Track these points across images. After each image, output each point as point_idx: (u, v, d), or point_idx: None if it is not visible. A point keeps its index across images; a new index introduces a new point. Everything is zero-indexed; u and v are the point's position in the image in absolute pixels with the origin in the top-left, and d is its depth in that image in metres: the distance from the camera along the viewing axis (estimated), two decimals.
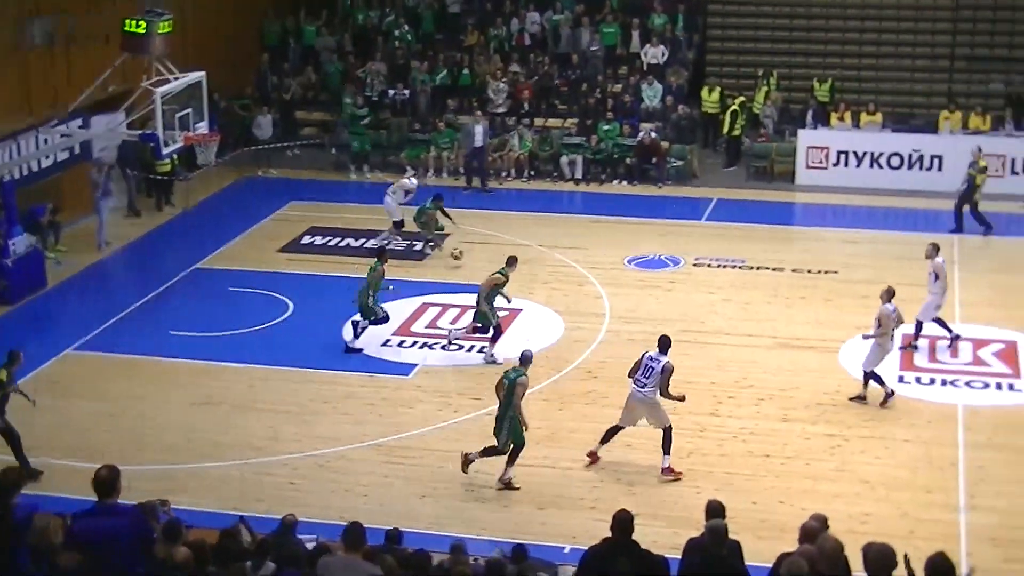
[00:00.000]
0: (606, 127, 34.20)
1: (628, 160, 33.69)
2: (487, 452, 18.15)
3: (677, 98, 35.90)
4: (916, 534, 16.53)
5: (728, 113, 34.49)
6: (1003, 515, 17.40)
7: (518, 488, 17.99)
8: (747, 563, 11.56)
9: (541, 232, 29.20)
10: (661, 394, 18.13)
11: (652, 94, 35.74)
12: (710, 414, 20.31)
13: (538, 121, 35.96)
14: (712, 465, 18.70)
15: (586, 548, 11.56)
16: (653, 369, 18.02)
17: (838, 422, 19.97)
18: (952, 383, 21.50)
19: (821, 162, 33.03)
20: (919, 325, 22.53)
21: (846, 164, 32.90)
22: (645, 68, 36.80)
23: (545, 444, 19.30)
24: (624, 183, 33.55)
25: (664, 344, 18.26)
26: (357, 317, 23.05)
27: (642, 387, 18.14)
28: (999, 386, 21.41)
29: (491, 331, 22.50)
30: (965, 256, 27.17)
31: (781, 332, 23.47)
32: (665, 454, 18.28)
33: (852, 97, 35.60)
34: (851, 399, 20.67)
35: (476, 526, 16.97)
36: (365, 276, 23.03)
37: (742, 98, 35.04)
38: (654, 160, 33.37)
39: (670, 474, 18.23)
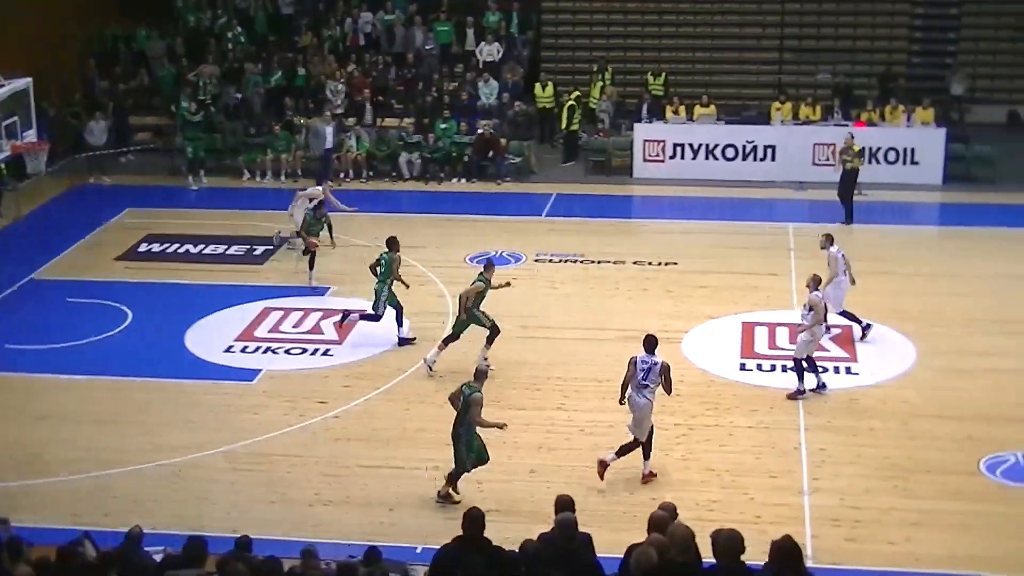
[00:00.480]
0: (443, 125, 34.21)
1: (466, 158, 33.75)
2: (451, 477, 17.61)
3: (513, 95, 36.12)
4: (763, 518, 16.84)
5: (564, 109, 34.74)
6: (843, 495, 17.78)
7: (458, 502, 17.45)
8: (598, 555, 11.64)
9: (381, 233, 29.01)
10: (666, 391, 18.08)
11: (488, 91, 35.88)
12: (557, 408, 20.44)
13: (377, 121, 35.85)
14: (561, 460, 18.80)
15: (438, 547, 11.54)
16: (651, 370, 17.78)
17: (682, 412, 20.20)
18: (792, 369, 21.87)
19: (658, 155, 33.45)
20: (845, 315, 22.86)
21: (682, 156, 33.36)
22: (481, 66, 36.93)
23: (394, 445, 19.26)
24: (463, 181, 33.61)
25: (651, 344, 18.01)
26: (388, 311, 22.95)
27: (645, 389, 17.82)
28: (837, 370, 21.86)
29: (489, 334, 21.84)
30: (800, 245, 27.72)
31: (624, 324, 23.67)
32: (645, 459, 18.08)
33: (686, 90, 36.14)
34: (790, 396, 20.74)
35: (327, 530, 16.83)
36: (381, 268, 22.85)
37: (577, 93, 35.33)
38: (491, 155, 33.46)
39: (651, 478, 18.08)
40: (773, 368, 21.96)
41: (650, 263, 27.09)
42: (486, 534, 11.41)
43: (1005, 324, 23.56)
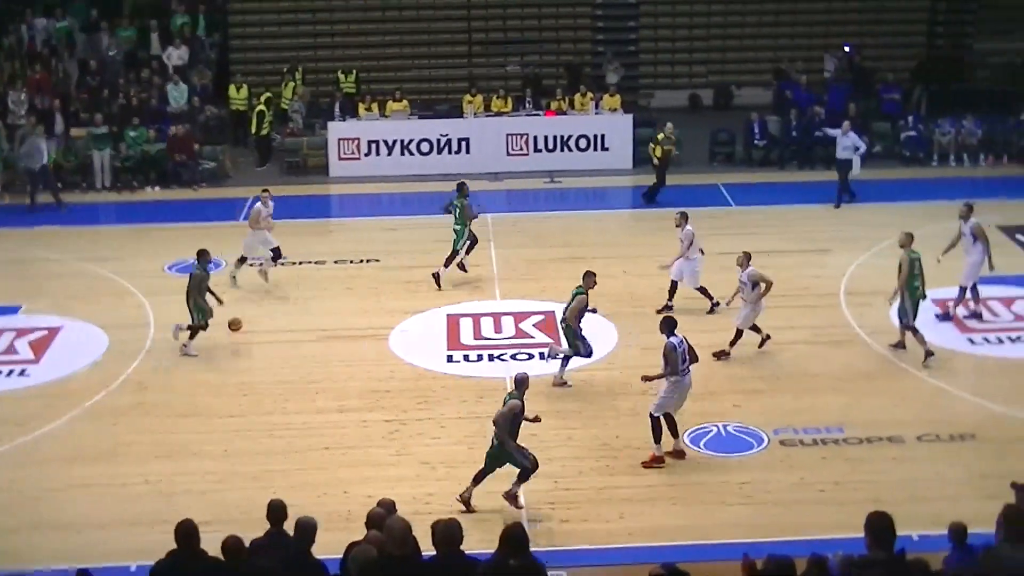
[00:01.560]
0: (133, 133, 33.34)
1: (160, 162, 32.96)
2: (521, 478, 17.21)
3: (203, 98, 35.48)
4: (479, 507, 17.02)
5: (255, 112, 34.33)
6: (557, 479, 18.11)
7: (474, 511, 17.09)
8: (320, 556, 11.57)
9: (75, 245, 28.22)
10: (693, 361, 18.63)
11: (178, 95, 35.13)
12: (269, 413, 20.20)
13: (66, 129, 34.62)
14: (281, 463, 18.58)
15: (152, 563, 11.28)
16: (685, 348, 18.45)
17: (393, 407, 20.27)
18: (499, 357, 22.23)
19: (353, 153, 33.43)
20: (701, 291, 24.00)
21: (377, 153, 33.43)
22: (170, 70, 36.12)
23: (103, 461, 18.69)
24: (158, 188, 32.86)
25: (671, 324, 18.60)
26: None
27: (685, 366, 18.45)
28: (542, 355, 22.22)
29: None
30: (499, 235, 28.13)
31: (330, 324, 23.59)
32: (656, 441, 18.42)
33: (378, 87, 36.23)
34: (716, 355, 21.68)
35: (35, 556, 16.19)
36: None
37: (268, 94, 34.96)
38: (179, 158, 32.71)
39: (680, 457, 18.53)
40: (480, 358, 22.23)
41: (351, 261, 27.06)
42: (203, 546, 11.20)
43: (698, 301, 24.38)
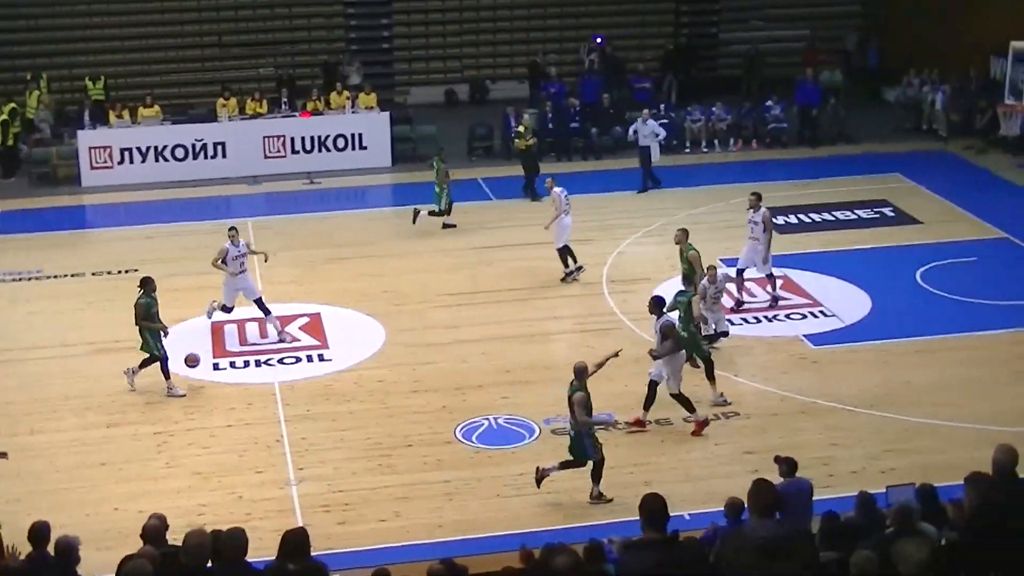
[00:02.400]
0: None
1: None
2: (565, 465, 17.53)
3: None
4: (254, 515, 16.83)
5: None
6: (330, 481, 18.05)
7: (610, 500, 17.22)
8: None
9: None
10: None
11: None
12: (31, 433, 19.55)
13: None
14: (51, 483, 18.00)
15: None
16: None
17: (164, 419, 19.87)
18: (266, 363, 21.96)
19: (105, 161, 32.51)
20: (562, 252, 25.00)
21: (131, 161, 32.58)
22: None
23: None
24: None
25: (660, 305, 19.31)
26: None
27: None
28: (310, 358, 22.13)
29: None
30: (259, 238, 27.78)
31: (97, 337, 22.96)
32: (691, 411, 19.18)
33: (128, 93, 35.39)
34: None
35: None
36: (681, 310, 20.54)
37: (13, 105, 33.78)
38: None
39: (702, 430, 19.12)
40: (247, 364, 21.94)
41: (111, 272, 26.37)
42: None
43: (463, 296, 24.57)
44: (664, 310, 19.39)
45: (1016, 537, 9.15)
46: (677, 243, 22.20)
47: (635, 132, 31.08)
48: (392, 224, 29.64)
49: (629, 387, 20.31)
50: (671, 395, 19.20)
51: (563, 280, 24.92)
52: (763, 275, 23.64)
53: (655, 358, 19.13)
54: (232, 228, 23.26)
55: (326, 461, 18.60)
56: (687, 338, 19.79)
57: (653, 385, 19.21)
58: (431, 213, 28.32)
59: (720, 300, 21.51)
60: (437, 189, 28.16)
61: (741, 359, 21.77)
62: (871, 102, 37.90)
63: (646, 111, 31.41)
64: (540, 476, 17.49)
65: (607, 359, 18.38)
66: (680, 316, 20.12)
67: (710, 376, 20.10)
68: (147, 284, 21.08)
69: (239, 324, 23.23)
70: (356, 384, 21.13)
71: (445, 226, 28.34)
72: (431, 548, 15.85)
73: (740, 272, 23.61)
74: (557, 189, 25.17)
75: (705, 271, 21.35)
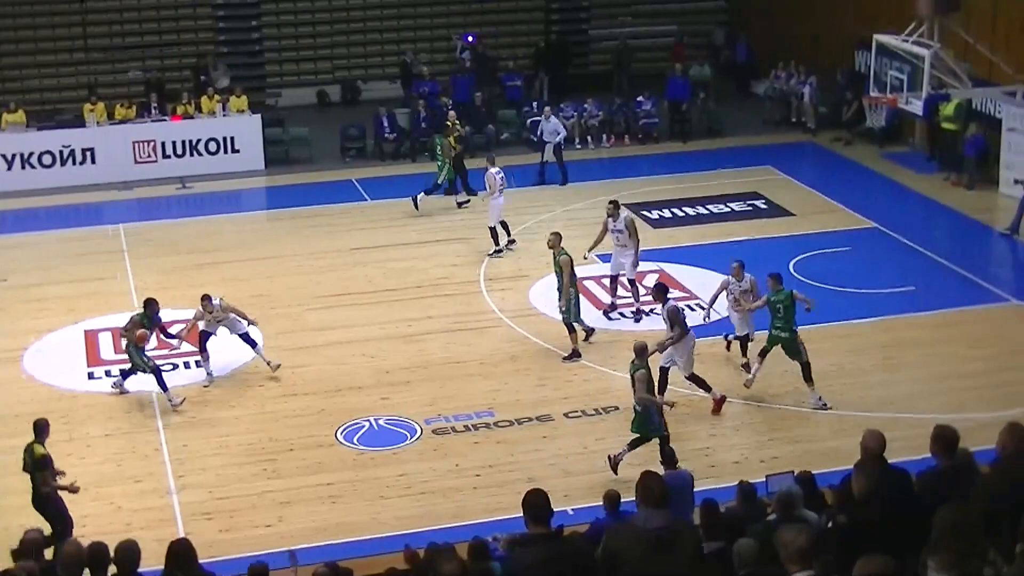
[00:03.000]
0: None
1: None
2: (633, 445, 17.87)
3: None
4: (134, 525, 16.61)
5: None
6: (212, 488, 17.89)
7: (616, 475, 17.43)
8: None
9: None
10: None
11: None
12: None
13: None
14: None
15: None
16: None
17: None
18: (143, 370, 21.60)
19: None
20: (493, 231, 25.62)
21: None
22: None
23: None
24: None
25: (663, 290, 20.16)
26: None
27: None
28: (187, 365, 21.80)
29: None
30: (132, 244, 27.43)
31: None
32: (707, 391, 19.66)
33: None
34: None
35: None
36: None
37: None
38: None
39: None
40: (108, 374, 21.58)
41: None
42: None
43: (337, 298, 24.46)
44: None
45: (896, 518, 9.36)
46: (551, 247, 21.99)
47: (541, 130, 31.27)
48: (266, 227, 29.41)
49: (509, 384, 20.42)
50: (685, 378, 19.71)
51: (491, 255, 25.98)
52: (629, 279, 23.34)
53: (662, 351, 19.49)
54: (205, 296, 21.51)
55: (207, 468, 18.41)
56: (789, 338, 19.75)
57: (664, 371, 19.56)
58: (427, 192, 28.79)
59: (743, 301, 21.03)
60: (440, 164, 29.07)
61: (621, 353, 21.89)
62: (741, 97, 38.42)
63: (547, 109, 31.60)
64: (615, 462, 17.60)
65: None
66: (779, 315, 19.78)
67: (808, 378, 19.87)
68: (149, 306, 20.58)
69: (113, 332, 22.82)
70: (235, 389, 20.92)
71: (460, 205, 29.17)
72: (315, 552, 15.75)
73: (613, 279, 23.53)
74: (493, 170, 26.14)
75: (575, 281, 21.56)
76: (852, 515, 10.01)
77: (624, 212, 23.31)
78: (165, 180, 31.71)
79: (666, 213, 28.73)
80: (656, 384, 18.77)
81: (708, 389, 19.72)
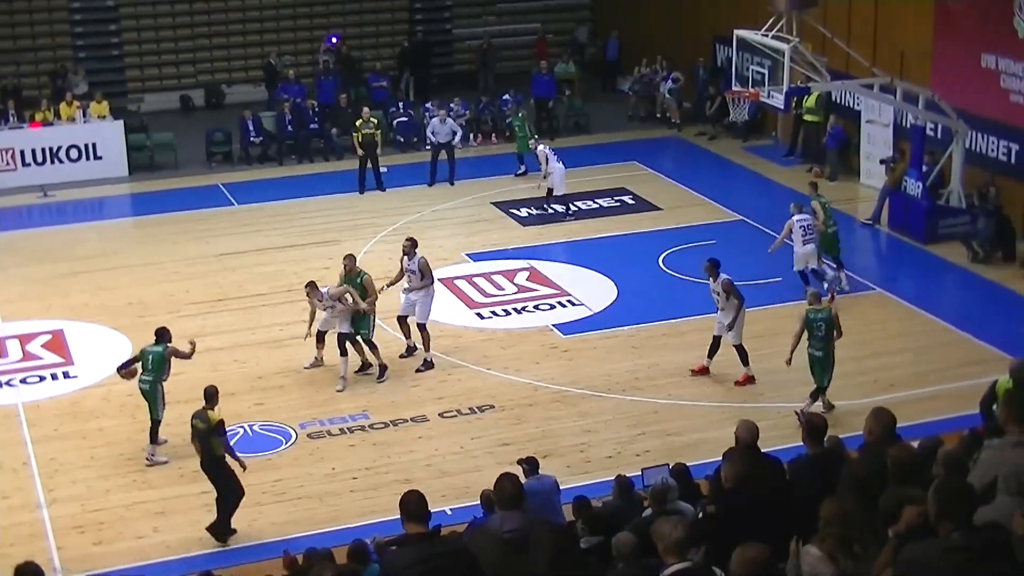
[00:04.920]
0: None
1: None
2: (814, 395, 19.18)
3: None
4: (3, 542, 16.28)
5: None
6: (83, 501, 17.61)
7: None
8: None
9: None
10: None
11: None
12: None
13: None
14: None
15: None
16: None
17: None
18: (7, 383, 21.23)
19: None
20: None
21: None
22: None
23: None
24: None
25: (717, 265, 20.65)
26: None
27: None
28: (55, 376, 21.48)
29: None
30: None
31: None
32: (744, 364, 20.54)
33: None
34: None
35: None
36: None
37: None
38: None
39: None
40: None
41: None
42: None
43: (208, 304, 24.20)
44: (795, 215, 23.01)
45: (767, 505, 9.55)
46: (348, 272, 21.20)
47: (433, 132, 31.11)
48: (133, 235, 29.00)
49: (383, 385, 20.45)
50: (733, 345, 20.47)
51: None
52: (419, 323, 21.68)
53: (731, 328, 20.36)
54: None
55: (77, 481, 18.12)
56: (823, 357, 19.31)
57: (716, 339, 20.64)
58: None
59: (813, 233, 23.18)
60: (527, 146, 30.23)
61: (493, 352, 22.02)
62: (607, 93, 38.75)
63: (442, 112, 31.51)
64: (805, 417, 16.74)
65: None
66: (819, 334, 19.20)
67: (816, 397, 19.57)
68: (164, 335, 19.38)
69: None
70: (105, 400, 20.59)
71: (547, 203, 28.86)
72: (193, 562, 15.64)
73: (402, 319, 21.91)
74: (541, 147, 28.66)
75: (378, 293, 21.29)
76: (722, 504, 10.19)
77: (419, 253, 21.79)
78: (26, 188, 31.07)
79: (534, 211, 28.87)
80: (708, 350, 20.67)
81: (746, 363, 20.50)
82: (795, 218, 23.24)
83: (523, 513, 9.05)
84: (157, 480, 18.11)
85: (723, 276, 20.56)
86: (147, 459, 18.64)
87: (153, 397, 18.67)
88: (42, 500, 17.66)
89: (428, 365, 21.37)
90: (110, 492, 17.82)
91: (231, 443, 17.22)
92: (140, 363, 18.90)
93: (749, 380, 20.49)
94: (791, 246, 23.34)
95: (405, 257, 21.67)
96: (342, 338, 20.80)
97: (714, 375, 20.77)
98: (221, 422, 16.70)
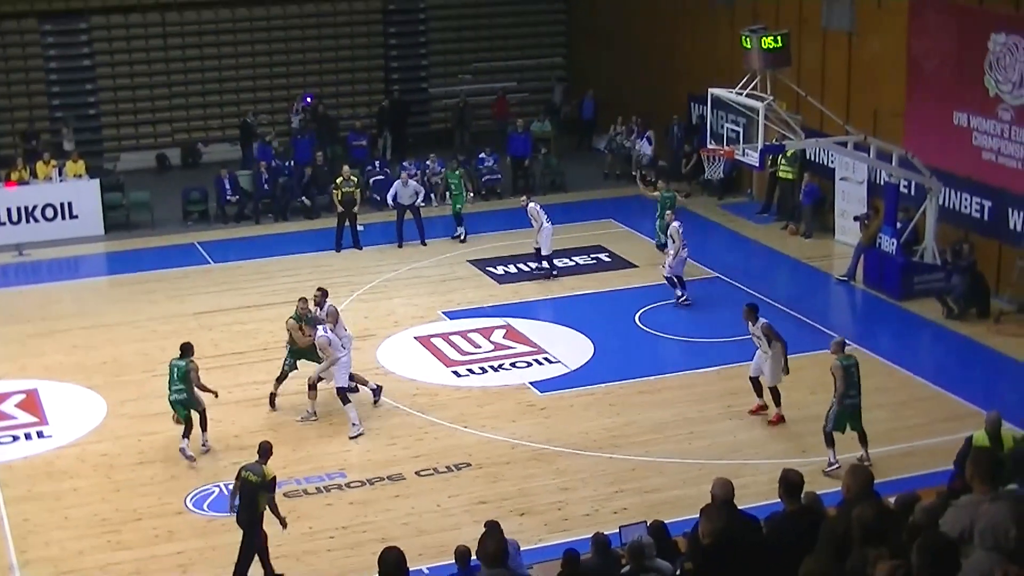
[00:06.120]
0: None
1: None
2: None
3: None
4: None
5: None
6: (57, 562, 17.46)
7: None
8: None
9: None
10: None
11: None
12: None
13: None
14: None
15: None
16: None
17: None
18: None
19: None
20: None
21: None
22: None
23: None
24: None
25: (755, 310, 21.11)
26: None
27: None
28: (28, 436, 21.34)
29: None
30: None
31: None
32: (776, 405, 20.97)
33: None
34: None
35: None
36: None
37: None
38: None
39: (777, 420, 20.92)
40: None
41: None
42: None
43: None
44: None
45: (744, 562, 9.54)
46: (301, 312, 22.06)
47: (395, 194, 31.03)
48: (108, 293, 28.90)
49: (360, 444, 20.34)
50: (768, 388, 20.95)
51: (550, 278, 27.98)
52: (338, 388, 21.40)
53: (786, 372, 20.92)
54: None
55: (51, 542, 17.96)
56: (858, 403, 19.38)
57: (755, 380, 21.08)
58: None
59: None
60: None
61: (469, 409, 21.97)
62: (583, 152, 38.92)
63: (404, 174, 31.50)
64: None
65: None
66: (854, 381, 19.16)
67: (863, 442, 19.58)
68: (188, 350, 20.66)
69: None
70: (79, 460, 20.47)
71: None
72: None
73: (312, 385, 21.56)
74: (532, 204, 28.20)
75: (306, 335, 21.68)
76: (699, 561, 10.17)
77: (341, 320, 22.05)
78: (1, 248, 31.00)
79: (511, 268, 28.90)
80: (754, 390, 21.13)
81: (778, 404, 20.98)
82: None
83: (504, 570, 9.05)
84: (132, 540, 17.96)
85: (762, 320, 20.99)
86: (202, 446, 20.45)
87: (192, 402, 20.26)
88: (14, 562, 17.50)
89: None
90: (83, 553, 17.67)
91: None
92: (167, 378, 20.34)
93: (780, 420, 20.90)
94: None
95: (318, 309, 22.18)
96: (340, 392, 21.06)
97: (693, 432, 20.77)
98: (274, 478, 16.82)
